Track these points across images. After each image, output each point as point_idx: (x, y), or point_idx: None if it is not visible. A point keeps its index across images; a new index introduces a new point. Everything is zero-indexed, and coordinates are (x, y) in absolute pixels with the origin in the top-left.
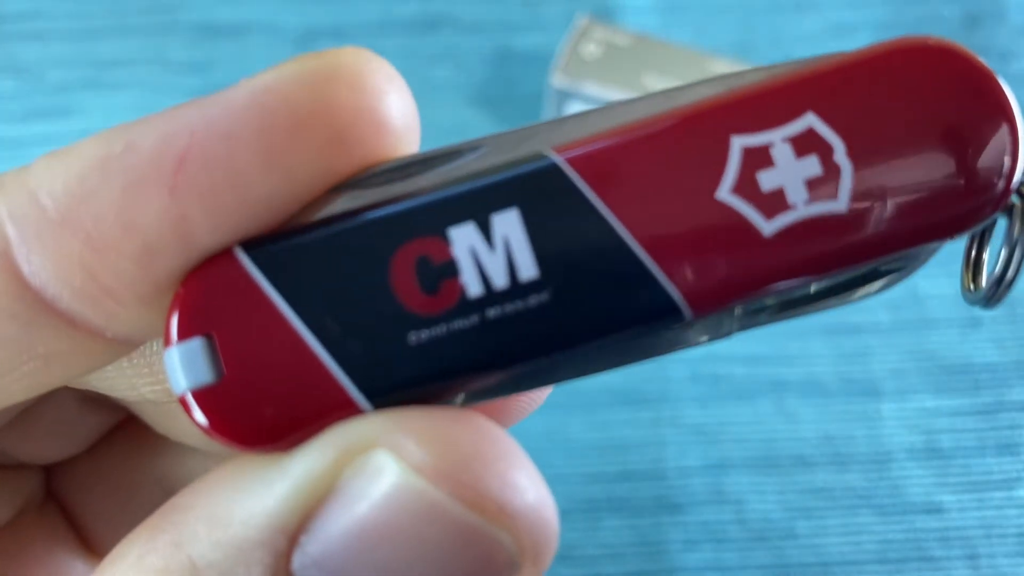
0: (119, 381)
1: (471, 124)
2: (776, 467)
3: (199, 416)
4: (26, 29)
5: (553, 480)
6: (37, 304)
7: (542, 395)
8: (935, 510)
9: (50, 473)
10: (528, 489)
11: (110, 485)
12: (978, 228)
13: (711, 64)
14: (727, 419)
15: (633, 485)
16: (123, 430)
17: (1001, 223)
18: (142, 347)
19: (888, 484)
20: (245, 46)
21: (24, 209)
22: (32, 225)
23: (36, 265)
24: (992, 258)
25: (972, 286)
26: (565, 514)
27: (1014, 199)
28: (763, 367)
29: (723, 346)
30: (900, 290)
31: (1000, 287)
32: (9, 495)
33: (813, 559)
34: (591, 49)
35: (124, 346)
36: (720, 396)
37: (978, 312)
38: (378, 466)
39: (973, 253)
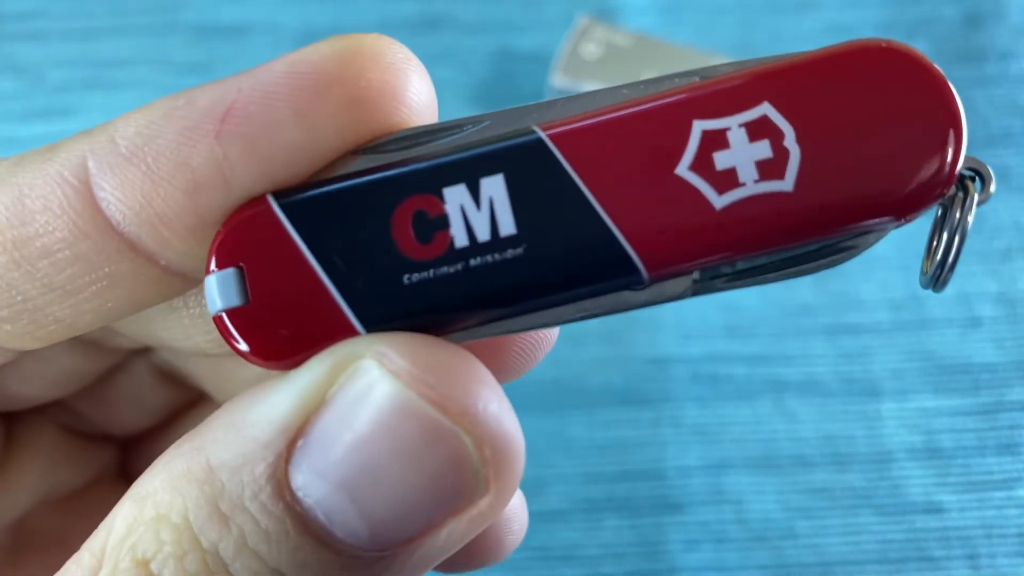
0: (178, 331)
1: None
2: (776, 467)
3: (232, 331)
4: (26, 29)
5: (553, 480)
6: (106, 227)
7: (540, 350)
8: (935, 510)
9: (125, 450)
10: (491, 401)
11: None
12: (921, 213)
13: (711, 64)
14: (727, 419)
15: (633, 485)
16: (194, 412)
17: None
18: (197, 297)
19: (888, 484)
20: (245, 46)
21: (102, 147)
22: (106, 159)
23: (107, 192)
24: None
25: (927, 270)
26: (565, 514)
27: (955, 188)
28: (763, 367)
29: (723, 346)
30: (900, 290)
31: (943, 270)
32: (86, 462)
33: (813, 559)
34: (591, 49)
35: (178, 281)
36: (720, 396)
37: (978, 312)
38: (363, 371)
39: (934, 241)
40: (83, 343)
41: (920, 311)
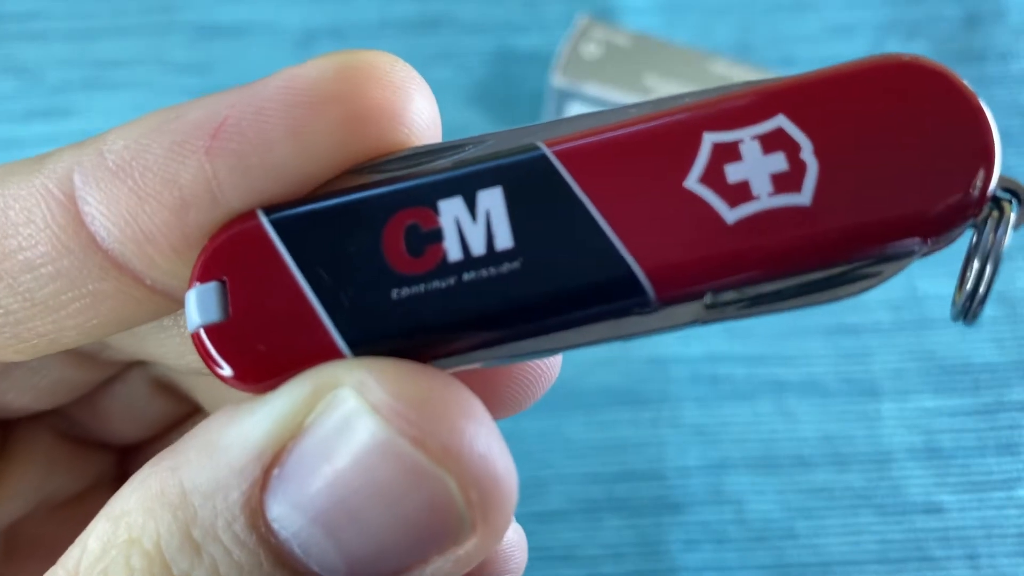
0: (170, 349)
1: (471, 124)
2: (776, 467)
3: (207, 350)
4: (26, 29)
5: (553, 480)
6: (90, 243)
7: (542, 384)
8: (935, 510)
9: (123, 457)
10: (478, 438)
11: None
12: (950, 237)
13: (711, 64)
14: (727, 419)
15: (633, 485)
16: (191, 422)
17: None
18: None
19: (888, 484)
20: (245, 46)
21: (90, 160)
22: (92, 173)
23: (92, 206)
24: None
25: (959, 300)
26: (565, 514)
27: (989, 208)
28: (763, 367)
29: (723, 346)
30: (900, 290)
31: (974, 301)
32: (82, 468)
33: (813, 559)
34: (591, 49)
35: (164, 301)
36: (720, 396)
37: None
38: (341, 400)
39: (966, 269)
40: (77, 355)
41: (920, 311)
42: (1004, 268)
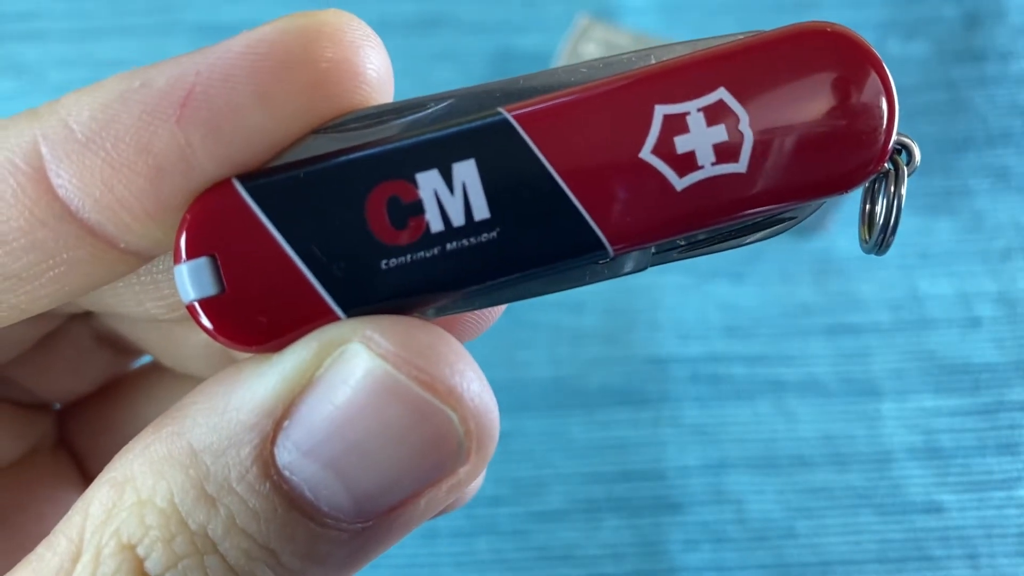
0: (128, 297)
1: None
2: (776, 467)
3: (204, 321)
4: (26, 29)
5: (553, 480)
6: (64, 214)
7: (494, 315)
8: (935, 510)
9: (62, 419)
10: (473, 380)
11: (117, 433)
12: (861, 186)
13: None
14: (727, 419)
15: (633, 485)
16: (132, 382)
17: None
18: (149, 264)
19: (888, 484)
20: None
21: (56, 132)
22: (62, 145)
23: (64, 179)
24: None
25: (867, 237)
26: (565, 514)
27: (888, 163)
28: (763, 367)
29: (723, 346)
30: (900, 290)
31: (886, 235)
32: (22, 432)
33: (813, 559)
34: (591, 49)
35: (135, 259)
36: (720, 396)
37: (978, 312)
38: (351, 354)
39: (867, 209)
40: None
41: (920, 311)
42: (1005, 269)
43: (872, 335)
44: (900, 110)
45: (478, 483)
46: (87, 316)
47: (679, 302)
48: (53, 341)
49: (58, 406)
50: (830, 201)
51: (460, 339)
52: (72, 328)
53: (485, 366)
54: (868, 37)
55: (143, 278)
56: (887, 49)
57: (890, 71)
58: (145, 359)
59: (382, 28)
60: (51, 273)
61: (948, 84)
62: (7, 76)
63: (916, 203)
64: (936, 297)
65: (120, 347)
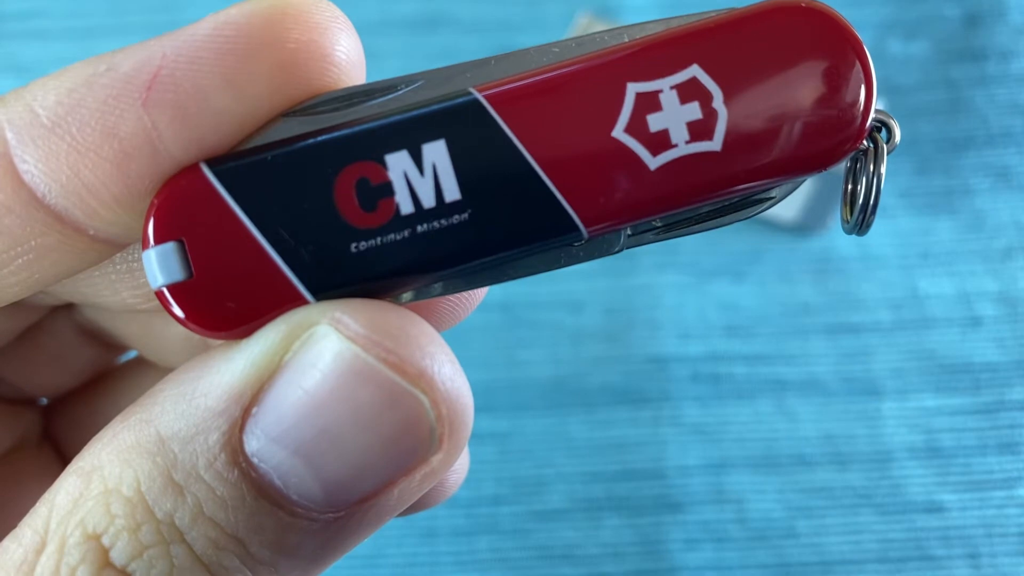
0: (103, 287)
1: None
2: (776, 467)
3: (174, 308)
4: (26, 29)
5: (553, 480)
6: (31, 200)
7: (472, 303)
8: (936, 509)
9: (48, 415)
10: (445, 363)
11: (102, 427)
12: (840, 164)
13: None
14: (727, 419)
15: (633, 484)
16: (117, 377)
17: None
18: (123, 253)
19: (889, 483)
20: None
21: (21, 117)
22: (27, 130)
23: (30, 164)
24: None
25: (848, 217)
26: (565, 514)
27: (867, 142)
28: (763, 367)
29: (723, 346)
30: (901, 289)
31: (866, 214)
32: (7, 427)
33: (813, 558)
34: None
35: (106, 247)
36: (720, 396)
37: (979, 311)
38: (320, 336)
39: (848, 189)
40: None
41: (920, 310)
42: (1005, 268)
43: (873, 334)
44: (900, 110)
45: (457, 480)
46: (69, 309)
47: (679, 301)
48: (35, 334)
49: (44, 401)
50: (830, 199)
51: (437, 328)
52: (54, 321)
53: (485, 366)
54: (868, 36)
55: (119, 267)
56: (887, 49)
57: (890, 71)
58: (131, 354)
59: (382, 27)
60: (20, 260)
61: (948, 84)
62: (7, 76)
63: (916, 203)
64: (937, 297)
65: (103, 340)
